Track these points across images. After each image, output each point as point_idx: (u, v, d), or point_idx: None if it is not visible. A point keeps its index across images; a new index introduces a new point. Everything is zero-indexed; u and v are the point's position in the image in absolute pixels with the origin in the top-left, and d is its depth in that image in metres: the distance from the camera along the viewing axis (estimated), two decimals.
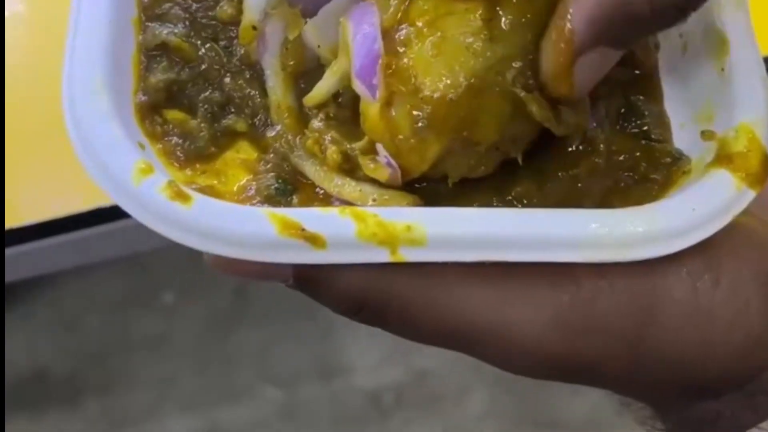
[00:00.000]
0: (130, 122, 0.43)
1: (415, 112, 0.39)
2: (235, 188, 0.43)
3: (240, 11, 0.45)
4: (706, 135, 0.44)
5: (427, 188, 0.43)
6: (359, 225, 0.38)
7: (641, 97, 0.46)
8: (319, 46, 0.43)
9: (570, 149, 0.43)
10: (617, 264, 0.39)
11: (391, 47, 0.40)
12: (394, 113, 0.40)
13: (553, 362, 0.40)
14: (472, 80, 0.39)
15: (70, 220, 1.00)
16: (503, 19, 0.39)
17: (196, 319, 1.85)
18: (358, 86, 0.41)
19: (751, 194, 0.41)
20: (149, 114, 0.44)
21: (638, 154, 0.45)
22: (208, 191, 0.42)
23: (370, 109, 0.40)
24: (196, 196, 0.39)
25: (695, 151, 0.44)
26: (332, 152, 0.42)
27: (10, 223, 0.97)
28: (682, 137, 0.45)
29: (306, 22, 0.44)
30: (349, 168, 0.42)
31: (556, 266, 0.39)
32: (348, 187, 0.42)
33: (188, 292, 1.87)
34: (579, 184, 0.43)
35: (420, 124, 0.39)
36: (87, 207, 0.97)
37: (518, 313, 0.39)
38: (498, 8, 0.39)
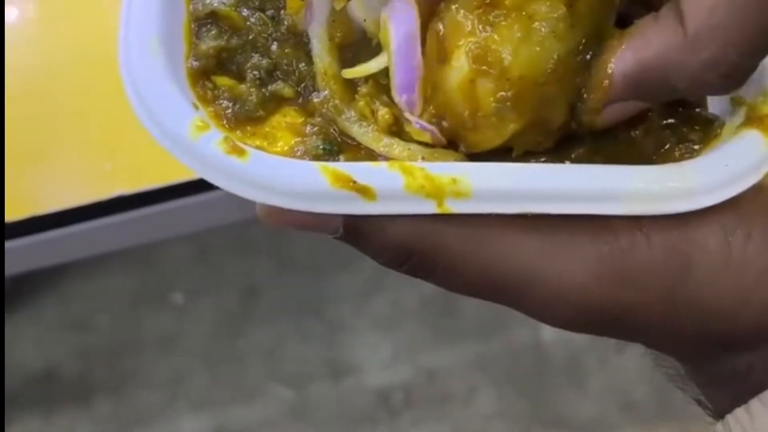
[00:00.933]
0: (183, 85, 0.45)
1: (500, 93, 0.41)
2: (284, 149, 0.45)
3: None
4: (736, 101, 0.45)
5: (482, 156, 0.44)
6: (407, 178, 0.40)
7: None
8: (365, 20, 0.45)
9: None
10: (654, 217, 0.41)
11: (479, 25, 0.40)
12: (478, 91, 0.41)
13: (591, 311, 0.42)
14: (557, 65, 0.41)
15: (77, 211, 1.02)
16: (581, 4, 0.41)
17: (206, 319, 1.86)
18: (398, 98, 0.43)
19: None
20: (200, 79, 0.46)
21: (677, 119, 0.46)
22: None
23: (448, 82, 0.41)
24: (252, 151, 0.41)
25: (727, 117, 0.46)
26: (384, 113, 0.44)
27: (16, 215, 0.98)
28: (714, 104, 0.47)
29: None
30: (397, 130, 0.44)
31: (596, 218, 0.41)
32: (397, 147, 0.43)
33: (197, 292, 1.89)
34: (632, 147, 0.45)
35: (503, 104, 0.41)
36: (96, 198, 0.99)
37: (560, 263, 0.41)
38: None
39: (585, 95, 0.42)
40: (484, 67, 0.40)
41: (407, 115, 0.43)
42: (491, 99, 0.41)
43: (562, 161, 0.44)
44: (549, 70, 0.41)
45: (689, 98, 0.45)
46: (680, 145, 0.45)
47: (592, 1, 0.41)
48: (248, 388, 1.80)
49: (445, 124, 0.43)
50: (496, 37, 0.40)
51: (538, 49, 0.40)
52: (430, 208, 0.40)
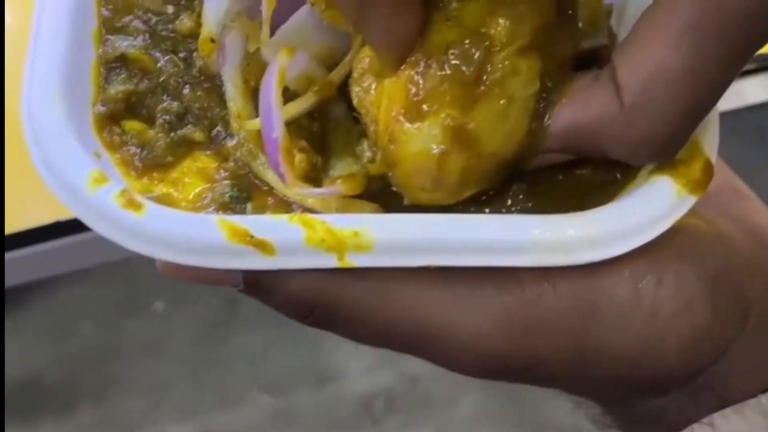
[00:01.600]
0: (87, 132, 0.44)
1: (468, 167, 0.40)
2: (190, 196, 0.44)
3: (199, 24, 0.46)
4: None
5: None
6: (307, 231, 0.39)
7: None
8: None
9: None
10: (561, 267, 0.40)
11: (461, 99, 0.39)
12: (447, 163, 0.40)
13: (500, 362, 0.41)
14: (524, 136, 0.40)
15: (61, 226, 1.01)
16: (549, 76, 0.40)
17: (189, 326, 1.86)
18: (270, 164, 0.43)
19: (692, 200, 0.42)
20: (108, 124, 0.45)
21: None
22: (164, 199, 0.43)
23: (412, 144, 0.39)
24: (149, 204, 0.40)
25: None
26: (300, 160, 0.43)
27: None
28: None
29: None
30: (314, 177, 0.44)
31: (502, 268, 0.40)
32: (311, 197, 0.43)
33: (180, 301, 1.88)
34: (571, 182, 0.44)
35: (468, 176, 0.40)
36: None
37: (465, 315, 0.40)
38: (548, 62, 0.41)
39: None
40: (458, 143, 0.39)
41: (283, 188, 0.43)
42: (457, 172, 0.40)
43: (502, 198, 0.44)
44: (517, 143, 0.41)
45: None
46: (606, 186, 0.45)
47: (555, 68, 0.41)
48: (232, 395, 1.80)
49: (391, 175, 0.42)
50: (477, 114, 0.39)
51: (513, 127, 0.40)
52: (331, 262, 0.39)
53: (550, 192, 0.44)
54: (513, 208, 0.43)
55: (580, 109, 0.39)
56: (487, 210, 0.43)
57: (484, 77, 0.39)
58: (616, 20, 0.50)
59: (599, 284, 0.41)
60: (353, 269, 0.39)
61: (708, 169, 0.42)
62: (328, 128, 0.45)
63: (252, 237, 0.39)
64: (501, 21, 0.39)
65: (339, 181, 0.43)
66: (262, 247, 0.39)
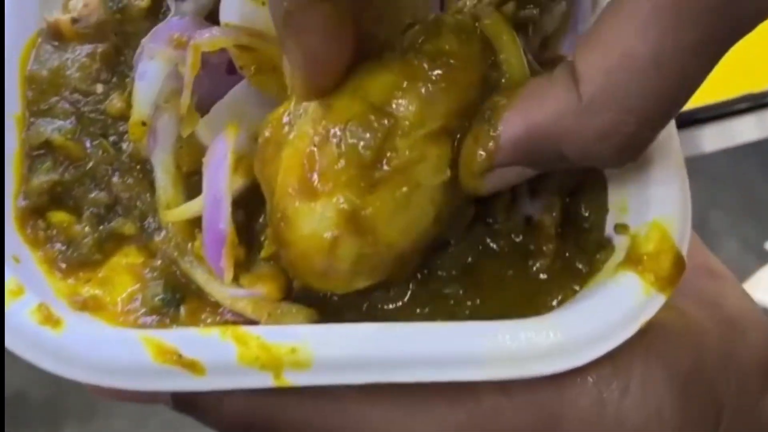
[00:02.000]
0: (7, 231, 0.40)
1: (361, 255, 0.37)
2: (120, 298, 0.41)
3: (130, 105, 0.43)
4: (619, 229, 0.41)
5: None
6: (241, 348, 0.36)
7: (591, 184, 0.43)
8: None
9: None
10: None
11: (360, 181, 0.36)
12: (339, 248, 0.36)
13: None
14: (427, 227, 0.37)
15: None
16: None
17: None
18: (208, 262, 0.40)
19: (661, 299, 0.38)
20: (31, 219, 0.42)
21: (568, 243, 0.42)
22: (92, 303, 0.40)
23: (304, 224, 0.36)
24: (69, 320, 0.37)
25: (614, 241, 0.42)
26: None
27: None
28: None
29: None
30: (236, 274, 0.40)
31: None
32: (241, 301, 0.39)
33: None
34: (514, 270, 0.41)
35: (361, 266, 0.37)
36: None
37: None
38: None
39: (461, 163, 0.37)
40: (352, 229, 0.36)
41: (212, 290, 0.40)
42: (349, 260, 0.37)
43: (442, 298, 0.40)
44: (421, 234, 0.37)
45: (578, 166, 0.38)
46: (565, 274, 0.41)
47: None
48: None
49: (281, 255, 0.38)
50: (375, 200, 0.36)
51: (415, 217, 0.37)
52: (266, 381, 0.36)
53: (497, 290, 0.41)
54: (458, 310, 0.40)
55: (533, 111, 0.35)
56: (423, 311, 0.40)
57: (384, 162, 0.35)
58: None
59: (561, 394, 0.38)
60: (292, 387, 0.36)
61: (679, 264, 0.39)
62: (253, 217, 0.42)
63: (181, 356, 0.36)
64: (408, 101, 0.35)
65: (260, 284, 0.40)
66: (192, 367, 0.36)
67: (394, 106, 0.35)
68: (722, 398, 0.40)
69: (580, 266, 0.41)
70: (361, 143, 0.35)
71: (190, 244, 0.41)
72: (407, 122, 0.35)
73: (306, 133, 0.36)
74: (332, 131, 0.35)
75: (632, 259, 0.39)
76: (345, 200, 0.35)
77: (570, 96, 0.33)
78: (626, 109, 0.32)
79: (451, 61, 0.36)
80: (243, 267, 0.40)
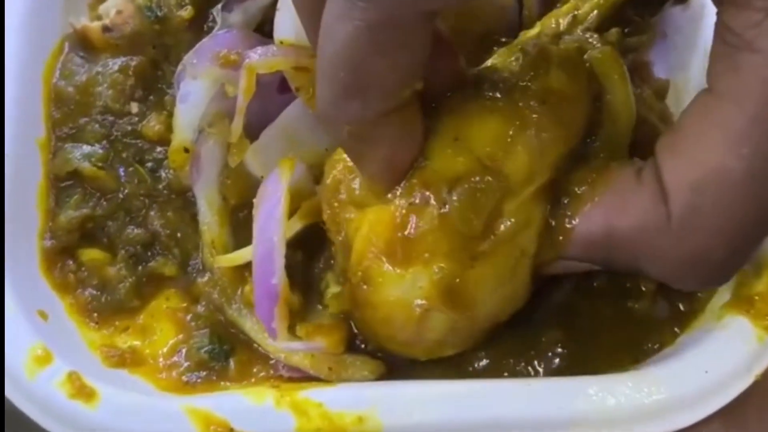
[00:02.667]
0: (32, 278, 0.36)
1: (453, 327, 0.32)
2: (161, 351, 0.36)
3: (170, 127, 0.38)
4: None
5: None
6: (300, 420, 0.31)
7: None
8: (262, 177, 0.36)
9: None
10: None
11: (462, 253, 0.31)
12: (429, 320, 0.32)
13: None
14: (525, 294, 0.33)
15: None
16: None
17: None
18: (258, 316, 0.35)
19: None
20: (59, 259, 0.37)
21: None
22: (130, 357, 0.35)
23: (389, 290, 0.32)
24: (103, 391, 0.32)
25: None
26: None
27: None
28: None
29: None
30: (291, 324, 0.35)
31: None
32: (298, 355, 0.35)
33: None
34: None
35: (450, 337, 0.33)
36: None
37: None
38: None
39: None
40: (447, 302, 0.31)
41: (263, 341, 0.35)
42: (440, 332, 0.32)
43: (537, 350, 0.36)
44: (515, 306, 0.33)
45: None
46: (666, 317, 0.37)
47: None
48: None
49: (356, 316, 0.34)
50: (477, 273, 0.31)
51: (517, 286, 0.32)
52: None
53: (593, 338, 0.36)
54: (547, 359, 0.35)
55: (616, 214, 0.31)
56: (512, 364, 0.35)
57: (492, 232, 0.31)
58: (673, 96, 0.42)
59: None
60: None
61: None
62: (311, 258, 0.37)
63: (232, 431, 0.31)
64: (517, 154, 0.30)
65: (321, 334, 0.35)
66: None
67: (502, 160, 0.30)
68: None
69: (680, 305, 0.37)
70: (472, 215, 0.30)
71: (239, 290, 0.36)
72: (517, 180, 0.30)
73: (396, 198, 0.31)
74: (432, 191, 0.30)
75: (741, 300, 0.35)
76: (442, 271, 0.31)
77: (658, 211, 0.29)
78: (715, 233, 0.29)
79: (561, 102, 0.31)
80: (299, 315, 0.36)
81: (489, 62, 0.34)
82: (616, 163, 0.32)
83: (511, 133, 0.30)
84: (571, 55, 0.32)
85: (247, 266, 0.36)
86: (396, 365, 0.35)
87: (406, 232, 0.30)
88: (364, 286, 0.32)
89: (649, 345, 0.36)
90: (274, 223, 0.34)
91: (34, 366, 0.32)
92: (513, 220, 0.30)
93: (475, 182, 0.30)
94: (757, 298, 0.35)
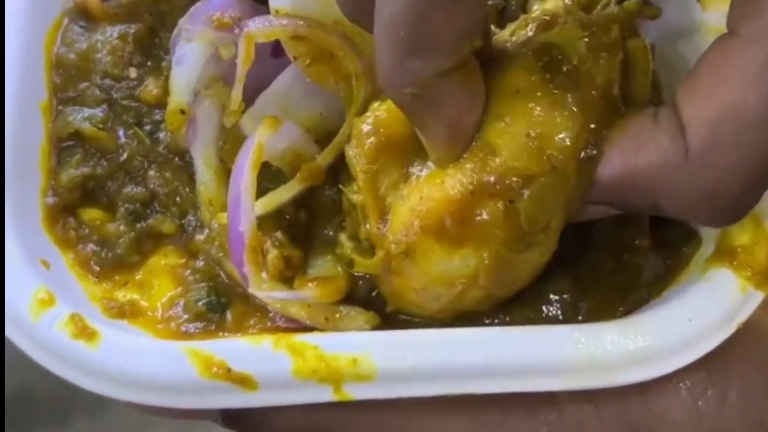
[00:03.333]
0: (35, 231, 0.38)
1: (489, 299, 0.35)
2: (160, 303, 0.38)
3: (167, 91, 0.40)
4: None
5: None
6: (296, 361, 0.33)
7: None
8: None
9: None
10: None
11: (511, 241, 0.33)
12: (467, 298, 0.35)
13: None
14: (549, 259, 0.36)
15: None
16: None
17: None
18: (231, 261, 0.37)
19: (758, 296, 0.35)
20: (61, 217, 0.39)
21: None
22: (129, 309, 0.37)
23: (436, 265, 0.34)
24: (105, 332, 0.34)
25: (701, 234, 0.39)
26: (274, 257, 0.37)
27: None
28: None
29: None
30: (290, 276, 0.37)
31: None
32: (295, 306, 0.36)
33: None
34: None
35: (483, 304, 0.36)
36: None
37: None
38: None
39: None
40: (490, 283, 0.34)
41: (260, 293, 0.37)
42: (474, 304, 0.35)
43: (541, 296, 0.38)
44: (540, 272, 0.36)
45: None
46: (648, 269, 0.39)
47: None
48: None
49: (385, 280, 0.36)
50: (522, 258, 0.33)
51: (545, 258, 0.35)
52: (326, 395, 0.33)
53: (596, 286, 0.38)
54: (552, 306, 0.37)
55: (633, 154, 0.32)
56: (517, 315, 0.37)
57: (549, 226, 0.33)
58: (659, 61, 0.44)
59: (652, 405, 0.35)
60: (353, 401, 0.33)
61: None
62: (314, 217, 0.39)
63: (230, 370, 0.33)
64: (565, 141, 0.32)
65: (313, 284, 0.37)
66: (243, 382, 0.33)
67: (568, 159, 0.32)
68: None
69: (666, 258, 0.39)
70: (540, 212, 0.32)
71: None
72: (567, 172, 0.32)
73: (455, 175, 0.33)
74: (500, 186, 0.32)
75: (724, 253, 0.36)
76: (491, 257, 0.33)
77: (676, 146, 0.31)
78: (732, 168, 0.30)
79: (597, 79, 0.34)
80: (300, 269, 0.38)
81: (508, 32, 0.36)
82: (632, 108, 0.34)
83: (556, 120, 0.32)
84: (608, 37, 0.35)
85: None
86: (391, 318, 0.37)
87: (463, 216, 0.32)
88: (405, 258, 0.34)
89: (638, 296, 0.38)
90: (242, 173, 0.36)
91: (37, 308, 0.34)
92: (561, 213, 0.33)
93: (546, 183, 0.32)
94: (740, 250, 0.36)
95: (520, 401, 0.35)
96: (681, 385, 0.35)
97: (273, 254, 0.37)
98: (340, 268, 0.37)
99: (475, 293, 0.34)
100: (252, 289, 0.36)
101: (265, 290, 0.36)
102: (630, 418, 0.35)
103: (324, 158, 0.38)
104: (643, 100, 0.36)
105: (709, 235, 0.38)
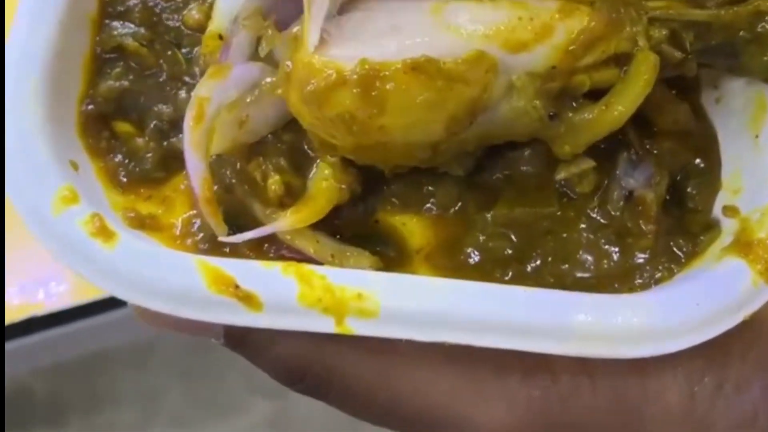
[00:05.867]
0: (68, 135, 0.40)
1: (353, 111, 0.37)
2: (178, 220, 0.40)
3: (209, 18, 0.43)
4: (729, 211, 0.40)
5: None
6: (303, 287, 0.35)
7: (701, 164, 0.43)
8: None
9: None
10: (603, 359, 0.36)
11: None
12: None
13: None
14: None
15: None
16: None
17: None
18: None
19: None
20: (95, 125, 0.41)
21: (669, 218, 0.41)
22: (149, 221, 0.40)
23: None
24: (123, 235, 0.36)
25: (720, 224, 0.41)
26: (273, 182, 0.39)
27: None
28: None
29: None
30: (291, 203, 0.39)
31: (531, 353, 0.36)
32: (302, 239, 0.39)
33: None
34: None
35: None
36: None
37: (482, 406, 0.36)
38: None
39: None
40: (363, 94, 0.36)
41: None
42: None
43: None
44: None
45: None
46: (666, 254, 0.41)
47: None
48: (227, 402, 1.76)
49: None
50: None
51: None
52: (327, 326, 0.35)
53: (595, 266, 0.40)
54: (545, 276, 0.40)
55: None
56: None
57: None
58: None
59: (647, 384, 0.36)
60: (354, 336, 0.35)
61: None
62: (301, 138, 0.41)
63: (237, 287, 0.35)
64: None
65: (286, 212, 0.39)
66: (248, 300, 0.35)
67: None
68: None
69: (682, 245, 0.40)
70: None
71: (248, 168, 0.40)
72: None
73: None
74: None
75: (741, 245, 0.38)
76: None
77: None
78: None
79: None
80: (297, 196, 0.40)
81: None
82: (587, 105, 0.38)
83: None
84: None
85: (254, 147, 0.41)
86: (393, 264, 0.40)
87: None
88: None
89: (647, 278, 0.40)
90: (186, 129, 0.39)
91: (60, 204, 0.36)
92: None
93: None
94: (757, 243, 0.38)
95: (517, 362, 0.37)
96: (679, 368, 0.37)
97: (274, 179, 0.39)
98: (325, 181, 0.39)
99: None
100: (220, 238, 0.38)
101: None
102: (624, 393, 0.36)
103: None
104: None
105: (729, 227, 0.40)
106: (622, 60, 0.38)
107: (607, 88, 0.39)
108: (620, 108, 0.38)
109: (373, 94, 0.35)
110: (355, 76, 0.35)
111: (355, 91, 0.35)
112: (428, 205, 0.41)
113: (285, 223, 0.38)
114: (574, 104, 0.39)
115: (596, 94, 0.39)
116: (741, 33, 0.38)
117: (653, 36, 0.38)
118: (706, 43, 0.39)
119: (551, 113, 0.38)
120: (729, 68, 0.41)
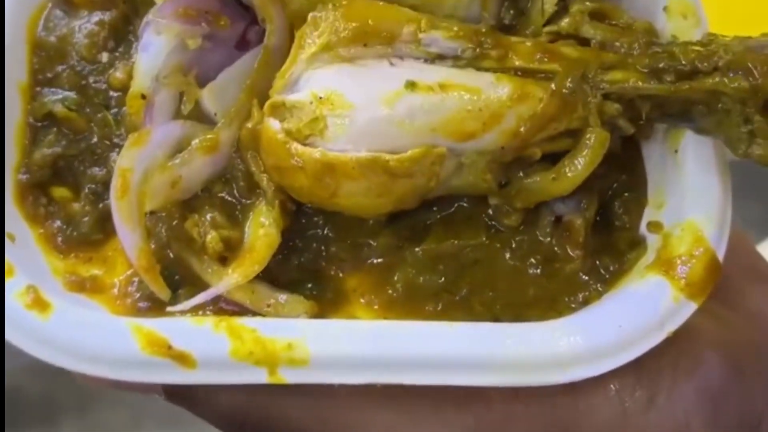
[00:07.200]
0: (6, 206, 0.43)
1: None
2: (118, 280, 0.43)
3: (132, 77, 0.45)
4: (652, 226, 0.42)
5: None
6: (234, 342, 0.37)
7: (627, 182, 0.45)
8: (215, 114, 0.43)
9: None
10: None
11: None
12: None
13: None
14: None
15: None
16: None
17: None
18: None
19: (691, 306, 0.38)
20: (32, 193, 0.44)
21: (597, 238, 0.43)
22: (91, 284, 0.42)
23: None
24: (58, 304, 0.39)
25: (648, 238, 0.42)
26: (212, 240, 0.41)
27: None
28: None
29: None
30: (231, 255, 0.41)
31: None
32: (239, 292, 0.41)
33: None
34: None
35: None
36: None
37: None
38: None
39: None
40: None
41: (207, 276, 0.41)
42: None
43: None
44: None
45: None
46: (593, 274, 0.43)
47: None
48: None
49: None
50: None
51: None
52: (260, 377, 0.37)
53: (516, 288, 0.42)
54: (472, 304, 0.42)
55: None
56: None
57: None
58: None
59: (580, 404, 0.38)
60: (289, 384, 0.38)
61: (713, 269, 0.39)
62: (232, 188, 0.43)
63: (171, 348, 0.37)
64: None
65: (230, 269, 0.41)
66: (182, 359, 0.37)
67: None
68: (759, 411, 0.41)
69: (609, 265, 0.42)
70: None
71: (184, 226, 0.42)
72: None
73: None
74: None
75: (662, 262, 0.39)
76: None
77: None
78: None
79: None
80: (235, 249, 0.42)
81: None
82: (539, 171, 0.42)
83: None
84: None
85: (187, 205, 0.43)
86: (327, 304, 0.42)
87: None
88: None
89: (573, 300, 0.41)
90: (113, 203, 0.40)
91: None
92: None
93: None
94: (677, 260, 0.39)
95: (451, 395, 0.38)
96: (611, 386, 0.39)
97: (212, 236, 0.41)
98: (265, 222, 0.41)
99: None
100: (168, 308, 0.41)
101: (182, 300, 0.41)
102: (557, 415, 0.38)
103: (218, 131, 0.42)
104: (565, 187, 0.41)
105: (653, 242, 0.41)
106: (574, 132, 0.41)
107: (562, 151, 0.41)
108: (570, 177, 0.41)
109: (327, 181, 0.38)
110: (312, 166, 0.38)
111: (312, 177, 0.39)
112: (370, 259, 0.43)
113: (229, 282, 0.40)
114: (526, 170, 0.42)
115: (552, 156, 0.41)
116: (699, 107, 0.40)
117: (606, 112, 0.40)
118: (663, 111, 0.41)
119: (503, 182, 0.41)
120: (684, 127, 0.43)
